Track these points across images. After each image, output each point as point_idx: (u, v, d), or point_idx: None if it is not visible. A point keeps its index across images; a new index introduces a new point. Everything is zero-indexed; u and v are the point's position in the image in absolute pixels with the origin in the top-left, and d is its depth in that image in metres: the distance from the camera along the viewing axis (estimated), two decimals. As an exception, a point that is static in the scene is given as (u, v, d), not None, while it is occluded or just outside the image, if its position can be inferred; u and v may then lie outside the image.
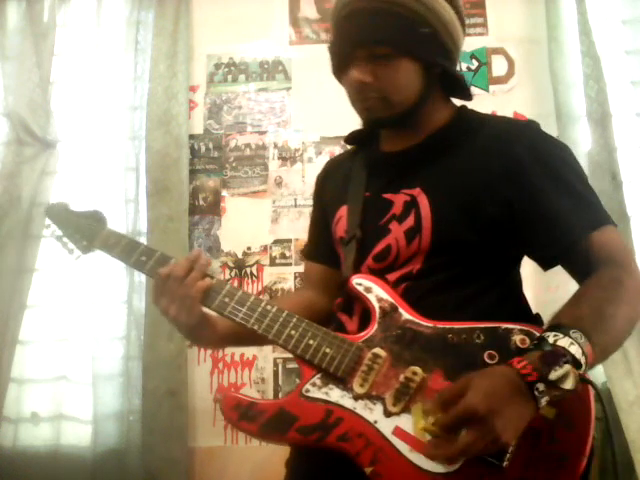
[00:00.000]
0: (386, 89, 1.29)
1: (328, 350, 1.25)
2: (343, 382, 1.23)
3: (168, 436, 2.76)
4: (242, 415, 1.26)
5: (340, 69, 1.35)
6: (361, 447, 1.17)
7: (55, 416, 2.89)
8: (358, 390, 1.21)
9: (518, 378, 1.02)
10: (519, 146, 1.28)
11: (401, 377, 1.19)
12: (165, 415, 2.77)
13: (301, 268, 2.50)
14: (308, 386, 1.25)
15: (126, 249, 1.46)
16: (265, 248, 2.99)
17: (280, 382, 2.87)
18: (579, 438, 1.12)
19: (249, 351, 2.89)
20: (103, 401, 2.84)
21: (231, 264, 2.99)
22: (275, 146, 3.08)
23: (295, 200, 3.01)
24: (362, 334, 1.27)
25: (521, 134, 1.30)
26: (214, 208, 3.05)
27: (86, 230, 1.53)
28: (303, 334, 1.28)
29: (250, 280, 2.97)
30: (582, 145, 2.78)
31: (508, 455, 1.10)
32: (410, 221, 1.30)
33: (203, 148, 3.09)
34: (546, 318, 1.18)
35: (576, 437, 1.12)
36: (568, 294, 1.19)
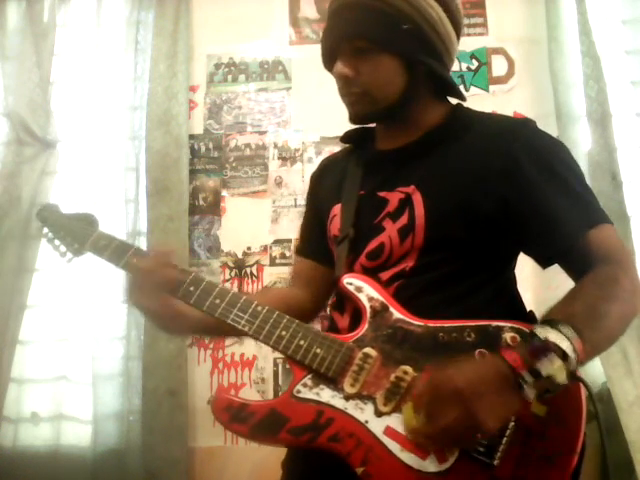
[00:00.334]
0: (367, 84, 1.31)
1: (319, 350, 1.25)
2: (334, 382, 1.23)
3: (168, 436, 2.76)
4: (233, 417, 1.26)
5: (329, 62, 1.37)
6: (352, 447, 1.17)
7: (55, 416, 2.90)
8: (349, 390, 1.21)
9: (506, 368, 1.03)
10: (515, 144, 1.27)
11: (392, 377, 1.19)
12: (165, 415, 2.77)
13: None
14: (299, 387, 1.25)
15: (116, 252, 1.47)
16: (265, 248, 2.99)
17: (280, 382, 2.87)
18: (570, 435, 1.12)
19: (249, 351, 2.90)
20: (103, 401, 2.84)
21: (231, 264, 2.99)
22: (275, 146, 3.08)
23: (295, 200, 3.01)
24: (353, 334, 1.27)
25: (517, 132, 1.30)
26: (214, 208, 3.05)
27: (78, 233, 1.53)
28: (294, 335, 1.28)
29: (250, 280, 2.97)
30: (582, 145, 2.77)
31: (499, 453, 1.10)
32: (404, 219, 1.30)
33: (203, 148, 3.09)
34: (546, 317, 1.18)
35: (567, 434, 1.12)
36: (568, 294, 1.19)
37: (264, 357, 2.89)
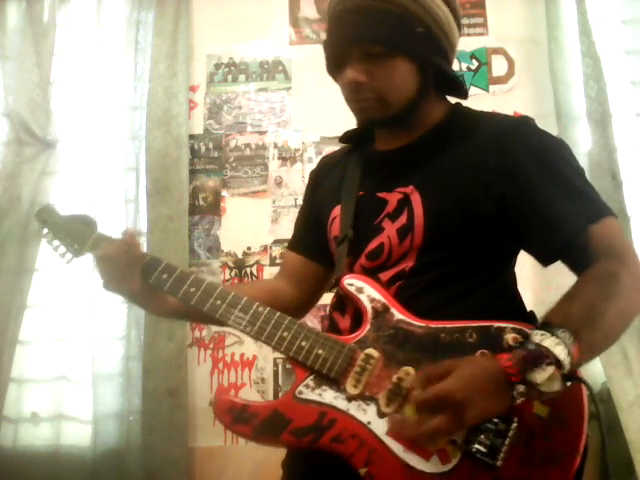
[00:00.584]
0: (381, 89, 1.28)
1: (321, 351, 1.25)
2: (336, 383, 1.23)
3: (168, 436, 2.76)
4: (236, 418, 1.26)
5: (335, 68, 1.34)
6: (355, 448, 1.17)
7: (55, 416, 2.89)
8: (351, 391, 1.21)
9: (502, 375, 1.04)
10: (514, 142, 1.27)
11: (394, 378, 1.19)
12: (165, 415, 2.77)
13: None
14: (301, 388, 1.25)
15: None
16: (265, 248, 2.99)
17: (280, 382, 2.87)
18: (573, 436, 1.12)
19: (249, 351, 2.89)
20: (103, 401, 2.84)
21: (231, 264, 2.99)
22: (275, 146, 3.08)
23: (295, 200, 3.01)
24: (354, 335, 1.27)
25: (516, 130, 1.30)
26: (214, 208, 3.05)
27: (77, 234, 1.53)
28: (296, 336, 1.28)
29: (250, 280, 2.97)
30: (582, 145, 2.77)
31: (502, 454, 1.10)
32: (403, 219, 1.30)
33: (203, 148, 3.09)
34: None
35: (570, 435, 1.12)
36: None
37: (264, 357, 2.88)
